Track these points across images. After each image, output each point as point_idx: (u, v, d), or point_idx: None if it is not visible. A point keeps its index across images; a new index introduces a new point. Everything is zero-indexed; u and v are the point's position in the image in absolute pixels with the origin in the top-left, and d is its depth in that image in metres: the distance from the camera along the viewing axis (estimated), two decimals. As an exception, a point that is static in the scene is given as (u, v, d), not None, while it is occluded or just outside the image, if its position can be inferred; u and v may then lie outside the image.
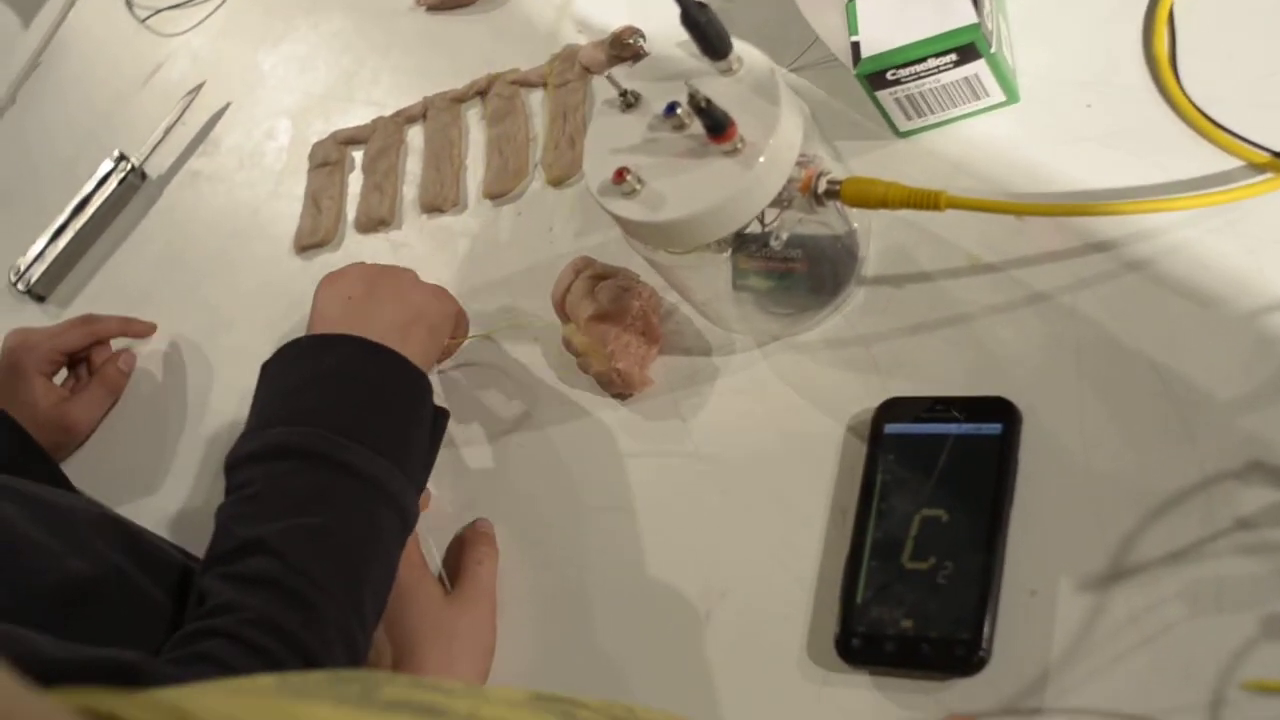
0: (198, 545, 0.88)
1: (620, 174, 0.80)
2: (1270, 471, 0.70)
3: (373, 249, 1.20)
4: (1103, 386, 0.78)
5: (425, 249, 1.16)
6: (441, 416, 0.94)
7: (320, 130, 1.33)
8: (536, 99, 1.19)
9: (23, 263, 1.44)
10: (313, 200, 1.27)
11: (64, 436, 1.23)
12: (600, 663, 0.87)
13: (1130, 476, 0.74)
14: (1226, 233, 0.78)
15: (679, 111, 0.80)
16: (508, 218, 1.13)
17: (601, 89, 1.11)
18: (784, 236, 0.84)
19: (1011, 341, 0.82)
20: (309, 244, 1.24)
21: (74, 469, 1.20)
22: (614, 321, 0.94)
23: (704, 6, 0.79)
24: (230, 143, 1.42)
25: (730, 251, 0.85)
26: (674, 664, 0.84)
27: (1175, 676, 0.68)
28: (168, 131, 1.44)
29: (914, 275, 0.88)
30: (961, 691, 0.73)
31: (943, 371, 0.84)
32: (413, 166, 1.24)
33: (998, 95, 0.90)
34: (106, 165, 1.44)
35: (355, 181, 1.27)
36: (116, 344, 1.30)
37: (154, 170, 1.45)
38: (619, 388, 0.95)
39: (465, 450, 1.01)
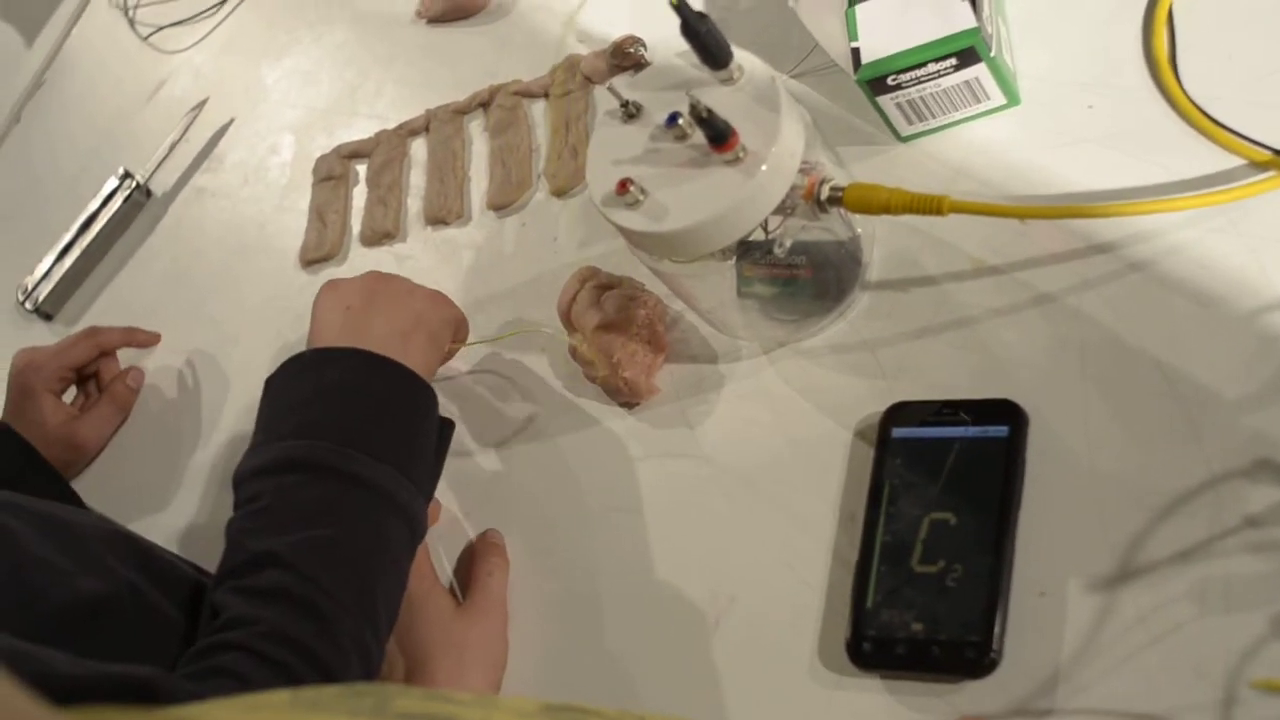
0: (209, 560, 0.88)
1: (623, 185, 0.80)
2: (1278, 469, 0.71)
3: (378, 262, 1.20)
4: (1108, 387, 0.78)
5: (430, 261, 1.17)
6: (447, 427, 0.94)
7: (324, 144, 1.34)
8: (539, 109, 1.19)
9: (30, 281, 1.44)
10: (317, 214, 1.28)
11: (74, 454, 1.23)
12: (611, 670, 0.88)
13: (1137, 476, 0.74)
14: (1229, 232, 0.78)
15: (681, 122, 0.80)
16: (512, 229, 1.13)
17: (603, 98, 1.11)
18: (788, 243, 0.84)
19: (1016, 344, 0.83)
20: (314, 258, 1.25)
21: (84, 486, 1.21)
22: (620, 330, 0.94)
23: (704, 17, 0.79)
24: (234, 158, 1.42)
25: (734, 259, 0.85)
26: (685, 670, 0.85)
27: (1185, 676, 0.68)
28: (172, 148, 1.45)
29: (918, 279, 0.88)
30: (973, 693, 0.73)
31: (948, 375, 0.84)
32: (416, 179, 1.24)
33: (998, 98, 0.90)
34: (111, 183, 1.45)
35: (359, 195, 1.27)
36: (124, 359, 1.30)
37: (159, 187, 1.45)
38: (626, 396, 0.95)
39: (475, 461, 1.02)
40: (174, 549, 1.03)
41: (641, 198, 0.81)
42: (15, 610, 0.76)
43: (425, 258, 1.17)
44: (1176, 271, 0.79)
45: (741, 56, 0.82)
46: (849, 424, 0.86)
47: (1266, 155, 0.79)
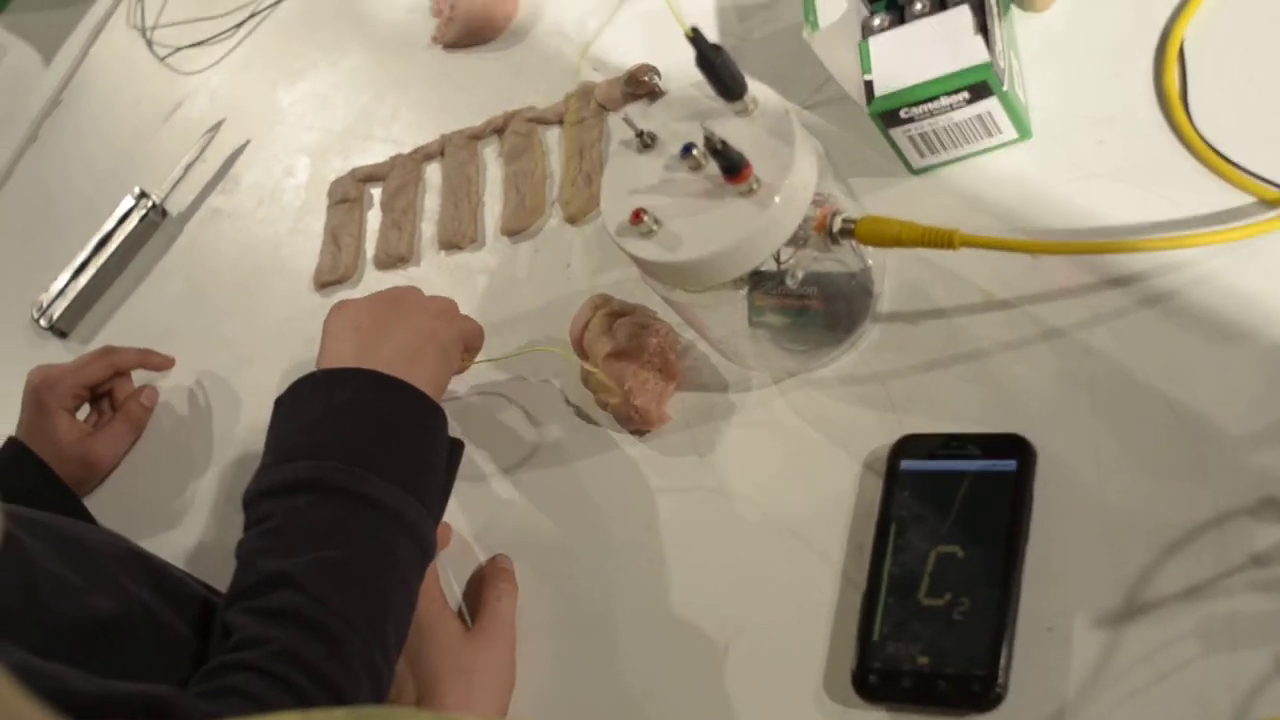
0: (220, 579, 0.88)
1: (637, 215, 0.81)
2: (1284, 507, 0.71)
3: (392, 286, 1.21)
4: (1117, 422, 0.78)
5: (444, 285, 1.17)
6: (457, 447, 0.95)
7: (339, 168, 1.34)
8: (553, 136, 1.20)
9: (45, 299, 1.45)
10: (332, 237, 1.28)
11: (87, 472, 1.24)
12: (619, 698, 0.88)
13: (1144, 512, 0.74)
14: (1239, 268, 0.79)
15: (695, 152, 0.81)
16: (525, 254, 1.14)
17: (618, 126, 1.12)
18: (800, 274, 0.84)
19: (1026, 377, 0.83)
20: (328, 280, 1.25)
21: (97, 504, 1.22)
22: (631, 358, 0.94)
23: (719, 48, 0.80)
24: (250, 180, 1.43)
25: (747, 289, 0.86)
26: (692, 699, 0.85)
27: (1191, 713, 0.68)
28: (188, 169, 1.46)
29: (929, 312, 0.89)
30: (978, 727, 0.74)
31: (958, 408, 0.84)
32: (431, 203, 1.25)
33: (1010, 132, 0.90)
34: (127, 202, 1.46)
35: (374, 218, 1.28)
36: (138, 379, 1.31)
37: (174, 207, 1.46)
38: (637, 424, 0.96)
39: (485, 486, 1.02)
40: (185, 567, 1.03)
41: (655, 227, 0.81)
42: (29, 626, 0.76)
43: (438, 282, 1.18)
44: (1186, 308, 0.79)
45: (755, 88, 0.83)
46: (858, 455, 0.86)
47: (1277, 193, 0.80)
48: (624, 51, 1.18)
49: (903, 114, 0.89)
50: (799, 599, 0.83)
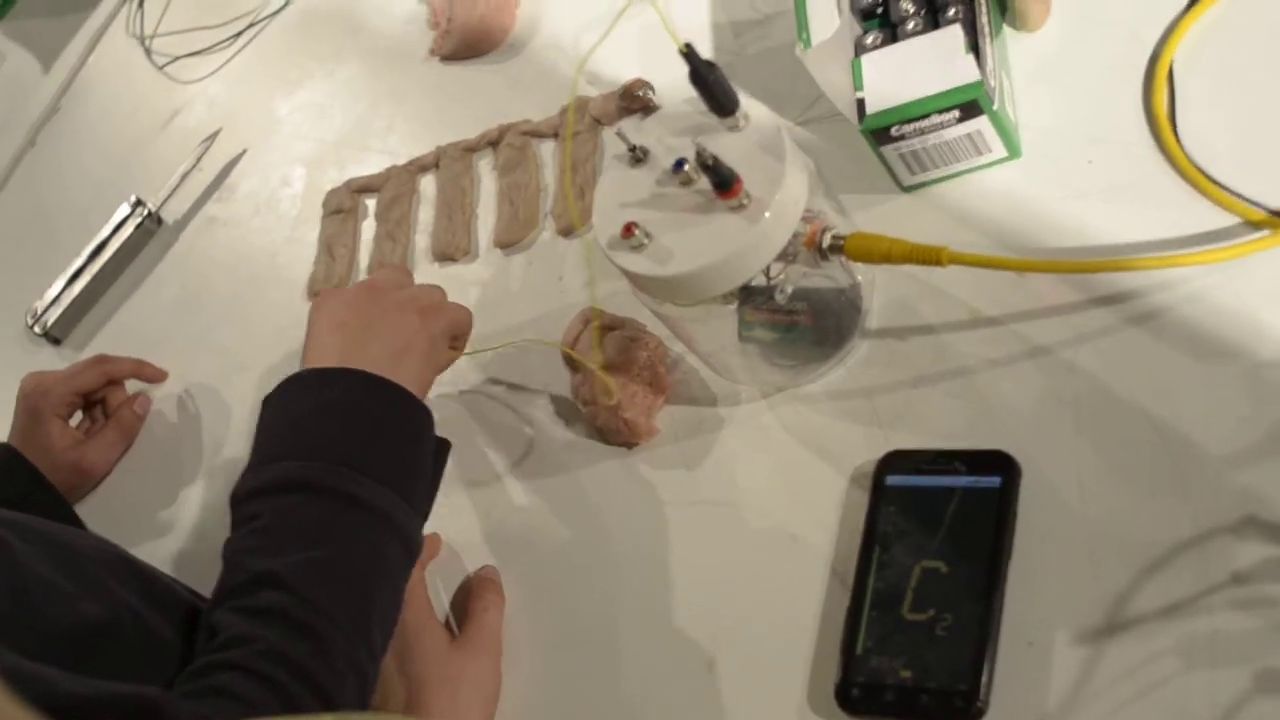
0: (208, 586, 0.88)
1: (628, 229, 0.82)
2: (1264, 527, 0.71)
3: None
4: (1101, 441, 0.79)
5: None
6: (443, 447, 0.95)
7: (334, 178, 1.35)
8: (548, 149, 1.20)
9: (39, 305, 1.45)
10: (326, 247, 1.29)
11: (79, 478, 1.24)
12: (604, 710, 0.88)
13: (1127, 530, 0.75)
14: (1224, 289, 0.79)
15: (686, 168, 0.81)
16: (518, 267, 1.15)
17: (612, 140, 1.12)
18: (789, 290, 0.85)
19: (1011, 395, 0.83)
20: (322, 290, 1.26)
21: (88, 510, 1.22)
22: (621, 371, 0.95)
23: (712, 65, 0.80)
24: (246, 189, 1.44)
25: (736, 304, 0.86)
26: (676, 711, 0.85)
27: (1171, 729, 0.69)
28: (184, 177, 1.46)
29: (916, 328, 0.89)
30: (960, 741, 0.74)
31: (944, 424, 0.85)
32: (425, 215, 1.25)
33: (1000, 151, 0.91)
34: (123, 210, 1.46)
35: (368, 229, 1.28)
36: (130, 387, 1.31)
37: (170, 215, 1.47)
38: (625, 436, 0.96)
39: (473, 497, 1.03)
40: (174, 574, 1.03)
41: (646, 241, 0.82)
42: (19, 630, 0.77)
43: (431, 293, 1.18)
44: (1171, 327, 0.80)
45: (748, 104, 0.83)
46: (845, 470, 0.86)
47: (1262, 215, 0.80)
48: (619, 66, 1.19)
49: (894, 131, 0.90)
50: (784, 612, 0.84)
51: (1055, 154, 0.91)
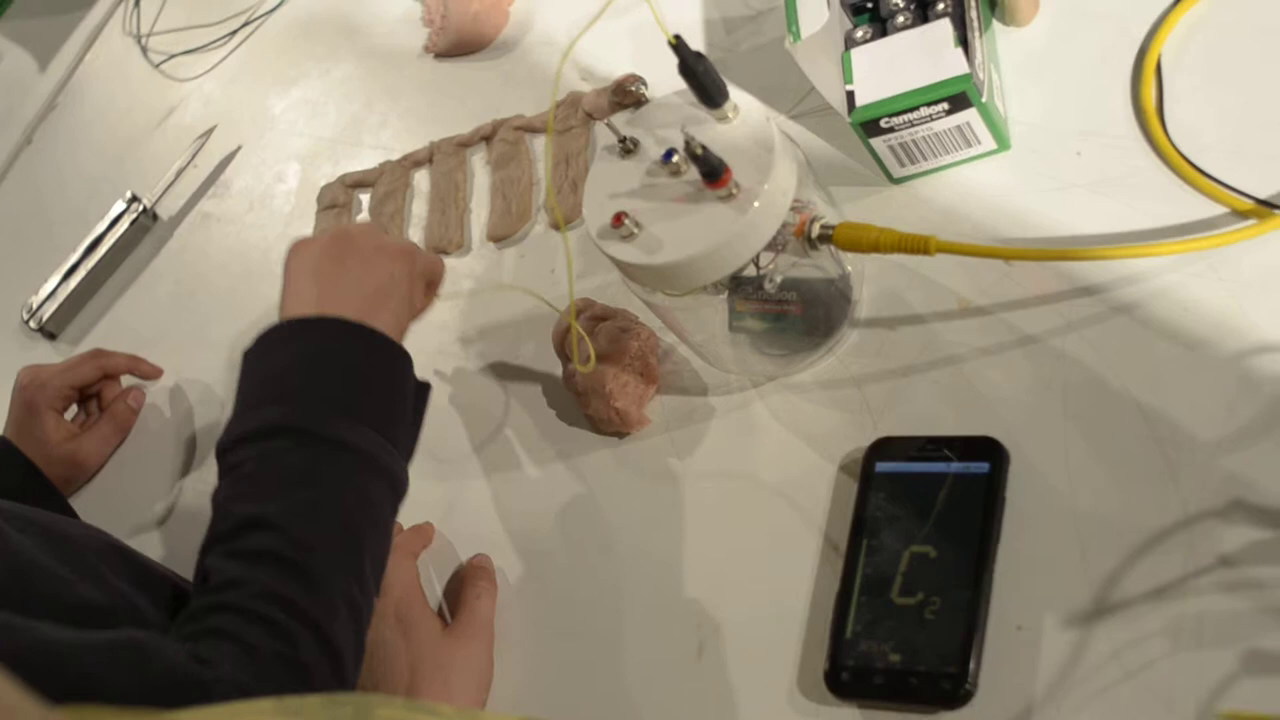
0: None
1: (618, 218, 0.82)
2: (1251, 510, 0.72)
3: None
4: (1089, 427, 0.80)
5: (430, 290, 1.18)
6: (424, 389, 0.94)
7: (329, 173, 1.36)
8: (540, 144, 1.21)
9: (35, 301, 1.46)
10: (320, 242, 1.29)
11: (74, 471, 1.25)
12: (595, 696, 0.89)
13: (1115, 514, 0.76)
14: (1210, 277, 0.80)
15: (676, 158, 0.82)
16: (511, 260, 1.15)
17: (604, 135, 1.13)
18: (779, 279, 0.85)
19: (1000, 383, 0.84)
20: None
21: (82, 503, 1.23)
22: (613, 362, 0.96)
23: (701, 56, 0.81)
24: (240, 185, 1.44)
25: (726, 294, 0.87)
26: (667, 697, 0.86)
27: (1157, 712, 0.69)
28: (179, 174, 1.47)
29: (906, 318, 0.90)
30: (948, 725, 0.75)
31: (933, 412, 0.86)
32: (418, 209, 1.26)
33: (989, 143, 0.92)
34: (119, 206, 1.47)
35: (362, 224, 1.29)
36: (125, 383, 1.32)
37: (165, 211, 1.47)
38: (617, 426, 0.97)
39: (466, 485, 1.03)
40: (168, 566, 1.04)
41: (636, 231, 0.82)
42: (14, 606, 0.77)
43: (425, 286, 1.19)
44: (1158, 315, 0.81)
45: (738, 96, 0.84)
46: (834, 458, 0.87)
47: (1248, 204, 0.81)
48: (612, 62, 1.19)
49: (883, 124, 0.91)
50: (773, 598, 0.84)
51: (1044, 147, 0.92)
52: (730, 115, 0.84)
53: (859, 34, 0.95)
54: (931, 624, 0.76)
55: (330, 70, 1.47)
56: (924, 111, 0.89)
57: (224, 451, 0.86)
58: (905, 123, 0.90)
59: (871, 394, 0.88)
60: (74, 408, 1.29)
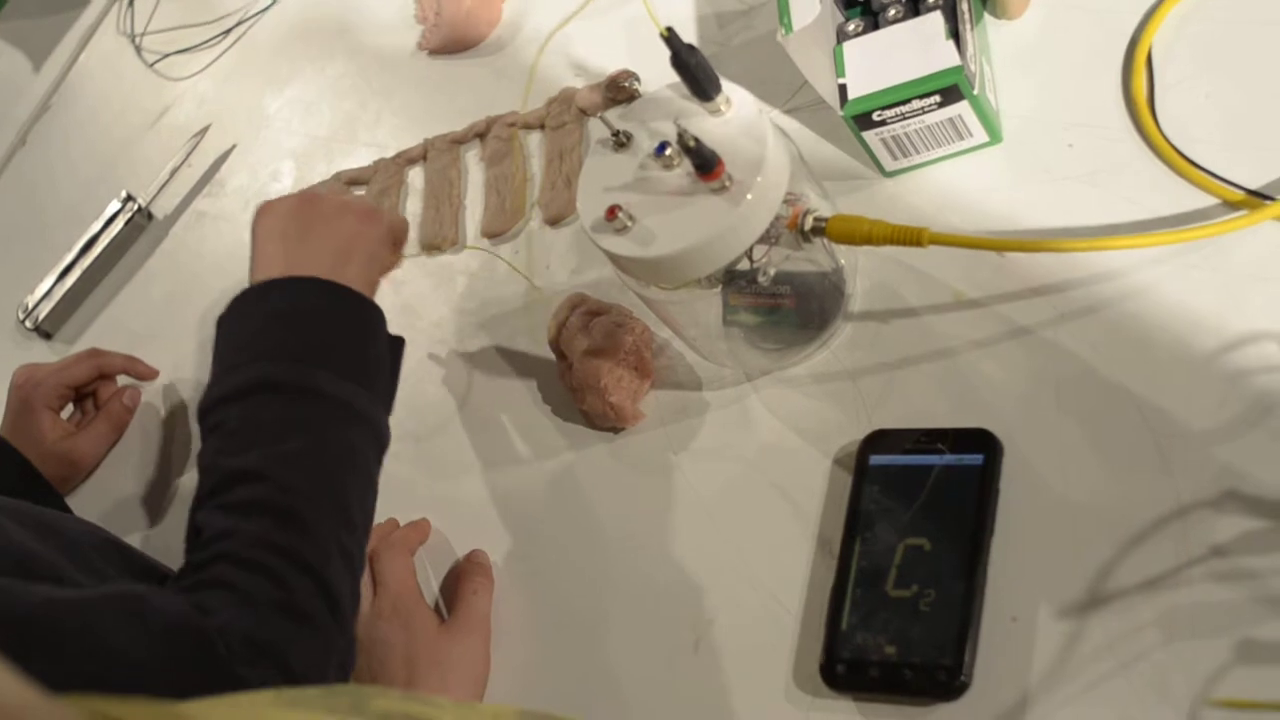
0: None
1: (612, 211, 0.82)
2: (1244, 500, 0.72)
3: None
4: (1082, 418, 0.80)
5: (425, 287, 1.18)
6: (398, 344, 0.95)
7: (323, 171, 1.35)
8: (534, 141, 1.21)
9: (30, 300, 1.46)
10: (315, 239, 1.29)
11: (69, 470, 1.25)
12: (592, 690, 0.89)
13: (1108, 506, 0.76)
14: (1203, 268, 0.80)
15: (669, 151, 0.82)
16: (505, 256, 1.15)
17: (597, 130, 1.13)
18: (772, 273, 0.85)
19: (994, 375, 0.84)
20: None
21: (78, 502, 1.23)
22: (607, 356, 0.96)
23: (693, 49, 0.81)
24: (235, 184, 1.44)
25: (720, 287, 0.87)
26: (663, 691, 0.86)
27: (1151, 701, 0.70)
28: (174, 173, 1.47)
29: (899, 311, 0.90)
30: (944, 717, 0.75)
31: (927, 404, 0.86)
32: (413, 206, 1.26)
33: (981, 136, 0.92)
34: (113, 205, 1.47)
35: (356, 221, 1.29)
36: (120, 381, 1.32)
37: (160, 211, 1.47)
38: (612, 421, 0.97)
39: (461, 482, 1.03)
40: (163, 563, 1.04)
41: (629, 224, 0.82)
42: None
43: (420, 283, 1.19)
44: (1151, 306, 0.81)
45: (731, 89, 0.84)
46: (829, 451, 0.87)
47: (1239, 195, 0.81)
48: (605, 58, 1.19)
49: (875, 116, 0.91)
50: (769, 591, 0.84)
51: (1036, 139, 0.92)
52: (723, 108, 0.84)
53: (851, 27, 0.95)
54: (926, 616, 0.76)
55: (324, 68, 1.47)
56: (916, 104, 0.90)
57: (205, 413, 0.87)
58: (897, 115, 0.90)
59: (865, 387, 0.89)
60: (70, 407, 1.29)
